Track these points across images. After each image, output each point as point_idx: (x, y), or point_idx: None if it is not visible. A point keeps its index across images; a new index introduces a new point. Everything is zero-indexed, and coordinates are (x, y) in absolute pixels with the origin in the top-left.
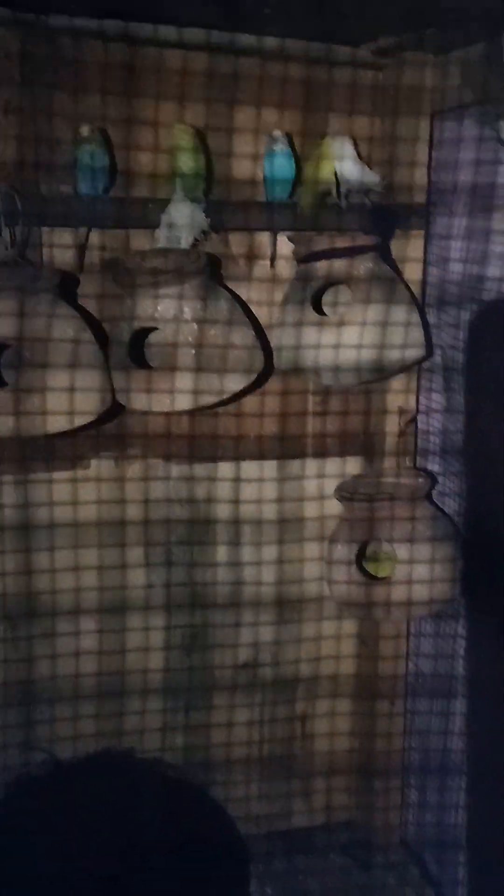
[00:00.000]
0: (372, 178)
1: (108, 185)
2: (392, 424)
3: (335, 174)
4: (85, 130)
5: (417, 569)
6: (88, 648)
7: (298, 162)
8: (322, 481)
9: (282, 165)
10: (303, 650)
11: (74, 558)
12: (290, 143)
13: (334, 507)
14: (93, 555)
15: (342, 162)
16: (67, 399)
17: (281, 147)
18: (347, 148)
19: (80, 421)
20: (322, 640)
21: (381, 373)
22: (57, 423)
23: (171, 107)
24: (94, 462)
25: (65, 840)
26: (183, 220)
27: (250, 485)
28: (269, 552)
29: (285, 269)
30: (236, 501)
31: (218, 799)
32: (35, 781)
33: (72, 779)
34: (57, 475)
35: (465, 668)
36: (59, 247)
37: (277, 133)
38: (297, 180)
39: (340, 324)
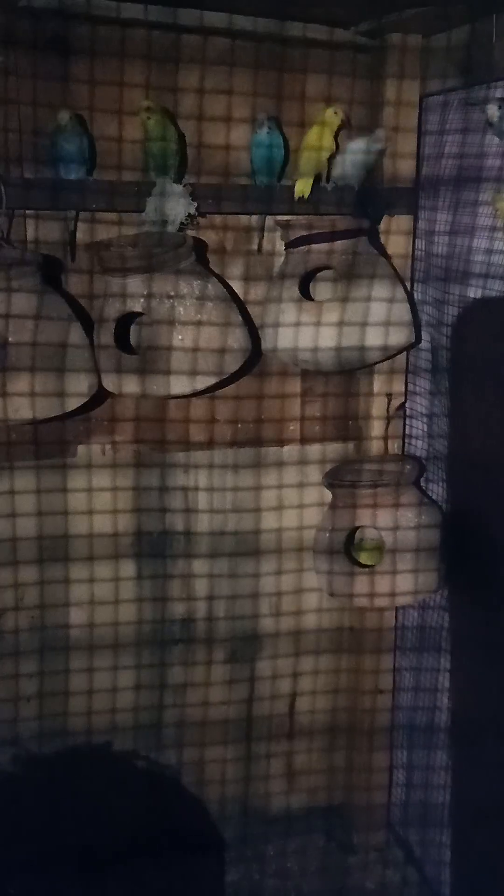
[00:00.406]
0: (378, 142)
1: (89, 170)
2: (380, 409)
3: (330, 154)
4: (63, 117)
5: (406, 556)
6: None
7: (286, 145)
8: (310, 467)
9: (269, 148)
10: (296, 640)
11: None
12: (278, 127)
13: (322, 493)
14: (82, 543)
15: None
16: (54, 383)
17: (268, 130)
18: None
19: (66, 406)
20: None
21: (369, 357)
22: (43, 409)
23: (158, 92)
24: (80, 448)
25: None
26: (170, 204)
27: (239, 470)
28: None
29: (274, 253)
30: (223, 489)
31: (200, 782)
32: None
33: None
34: (43, 462)
35: (451, 657)
36: (45, 231)
37: (263, 116)
38: (285, 164)
39: (328, 308)
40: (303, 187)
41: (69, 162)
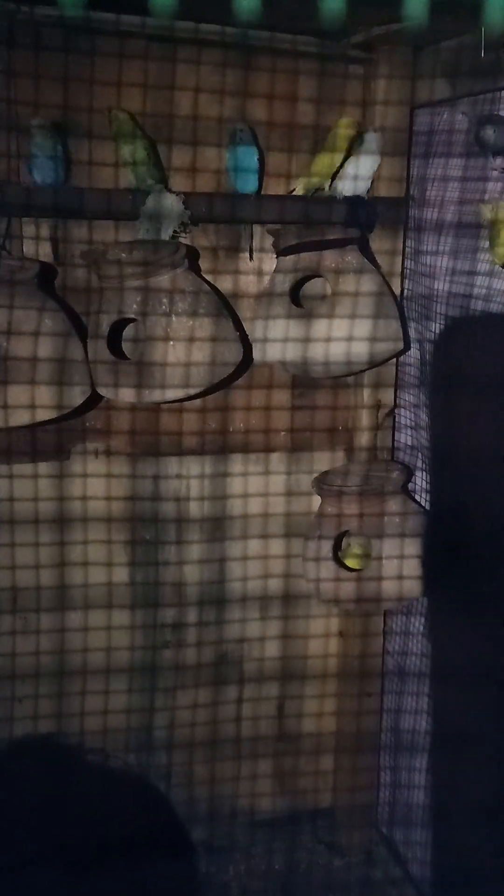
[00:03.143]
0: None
1: (63, 177)
2: (370, 419)
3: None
4: (36, 121)
5: (393, 561)
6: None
7: (262, 154)
8: (300, 475)
9: (245, 157)
10: (283, 643)
11: (60, 553)
12: (253, 135)
13: (312, 500)
14: (76, 550)
15: (364, 155)
16: (47, 390)
17: (243, 139)
18: (373, 141)
19: (60, 411)
20: (304, 634)
21: (359, 366)
22: (36, 415)
23: (138, 95)
24: (74, 455)
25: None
26: (163, 211)
27: (230, 478)
28: (250, 546)
29: (266, 261)
30: (216, 497)
31: (190, 784)
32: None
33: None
34: (37, 468)
35: (435, 660)
36: (38, 239)
37: (240, 125)
38: (261, 172)
39: (319, 317)
40: (306, 186)
41: (42, 168)
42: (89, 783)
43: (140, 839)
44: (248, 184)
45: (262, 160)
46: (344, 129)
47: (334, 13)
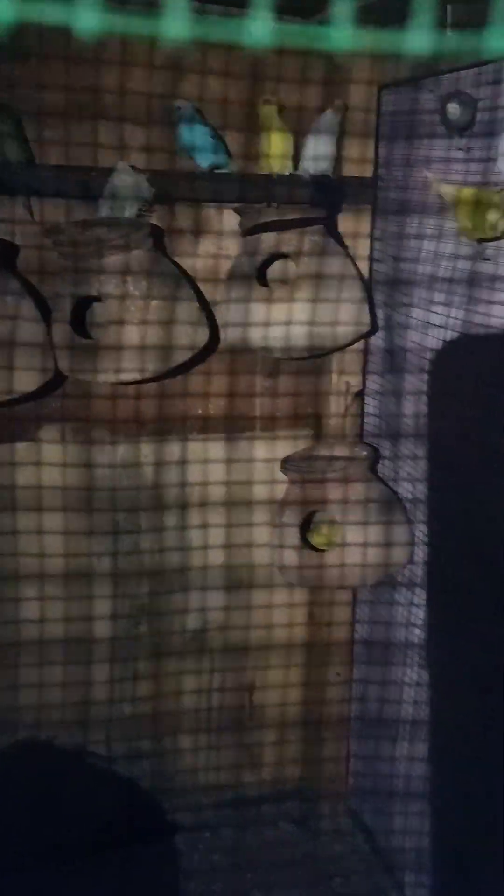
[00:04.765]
0: (339, 112)
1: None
2: (338, 402)
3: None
4: None
5: (359, 540)
6: (33, 616)
7: (215, 131)
8: (268, 456)
9: (192, 134)
10: (252, 618)
11: (15, 524)
12: (196, 112)
13: (278, 484)
14: (35, 523)
15: (322, 134)
16: (8, 371)
17: (187, 116)
18: (330, 119)
19: (23, 389)
20: (272, 609)
21: (325, 347)
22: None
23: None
24: (39, 434)
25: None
26: (127, 189)
27: (197, 461)
28: (219, 528)
29: (231, 241)
30: (181, 481)
31: (166, 770)
32: None
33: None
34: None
35: (412, 634)
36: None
37: (182, 102)
38: (218, 150)
39: (285, 298)
40: (276, 165)
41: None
42: (65, 775)
43: (111, 821)
44: (202, 161)
45: (218, 138)
46: (265, 107)
47: None
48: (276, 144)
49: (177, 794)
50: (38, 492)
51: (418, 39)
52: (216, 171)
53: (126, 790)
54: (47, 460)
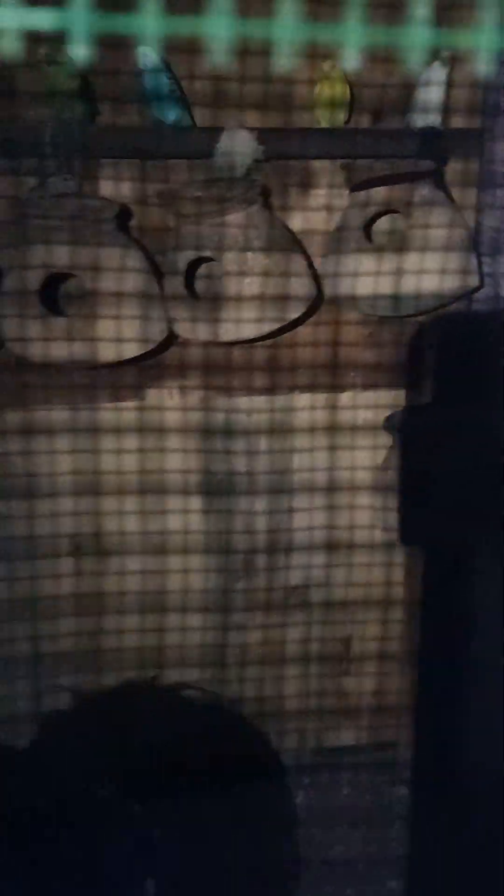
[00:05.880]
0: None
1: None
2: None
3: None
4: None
5: None
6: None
7: (178, 80)
8: (371, 413)
9: (154, 83)
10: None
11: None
12: (163, 60)
13: (377, 437)
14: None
15: (433, 85)
16: (125, 329)
17: (149, 63)
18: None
19: (136, 351)
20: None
21: (433, 302)
22: (113, 353)
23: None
24: (150, 392)
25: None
26: (236, 148)
27: (301, 415)
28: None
29: (339, 197)
30: (286, 431)
31: (253, 714)
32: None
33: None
34: (114, 405)
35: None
36: (114, 179)
37: (144, 49)
38: (180, 100)
39: (392, 252)
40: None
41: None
42: (164, 713)
43: (211, 766)
44: (167, 112)
45: (181, 92)
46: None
47: None
48: (338, 92)
49: (277, 737)
50: (155, 444)
51: None
52: (178, 126)
53: (230, 731)
54: (160, 416)
